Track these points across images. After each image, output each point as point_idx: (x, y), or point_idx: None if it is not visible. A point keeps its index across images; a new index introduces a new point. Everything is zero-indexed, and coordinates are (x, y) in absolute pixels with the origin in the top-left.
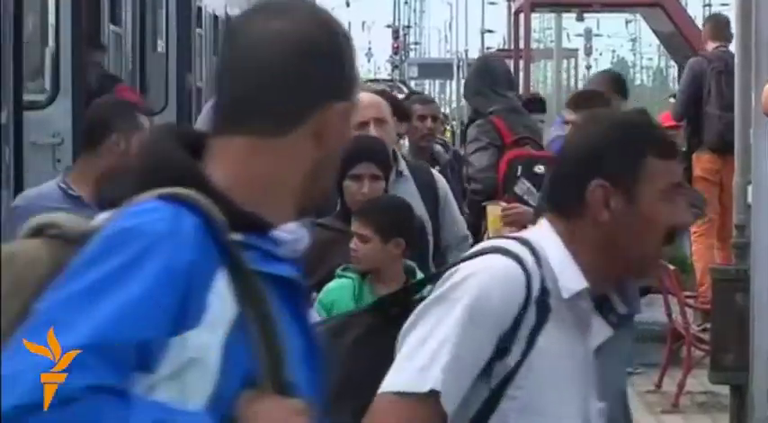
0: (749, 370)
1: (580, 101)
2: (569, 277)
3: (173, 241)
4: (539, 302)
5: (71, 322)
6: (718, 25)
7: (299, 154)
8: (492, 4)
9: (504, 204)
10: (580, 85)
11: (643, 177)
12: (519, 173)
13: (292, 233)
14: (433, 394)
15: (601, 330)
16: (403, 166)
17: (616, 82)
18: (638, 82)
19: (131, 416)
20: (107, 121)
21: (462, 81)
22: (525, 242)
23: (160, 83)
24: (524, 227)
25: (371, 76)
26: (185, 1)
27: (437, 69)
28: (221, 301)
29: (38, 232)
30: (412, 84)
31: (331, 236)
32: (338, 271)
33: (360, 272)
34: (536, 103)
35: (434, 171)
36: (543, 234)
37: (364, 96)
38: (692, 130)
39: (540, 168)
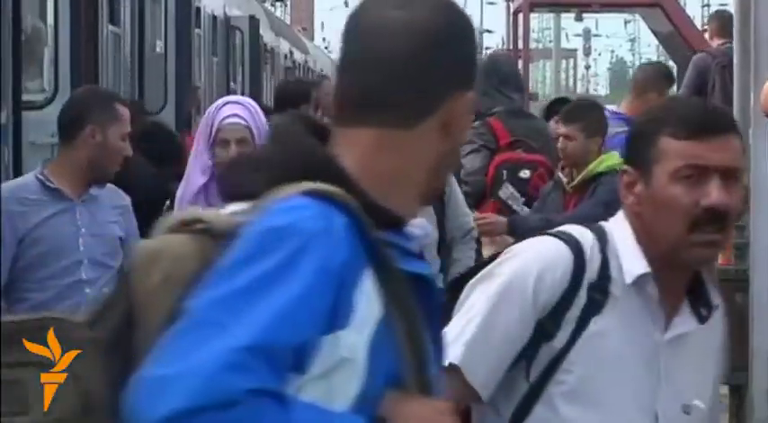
0: (749, 370)
1: (570, 116)
2: (631, 262)
3: (327, 240)
4: (594, 287)
5: (230, 323)
6: (724, 22)
7: (425, 146)
8: (491, 4)
9: (477, 214)
10: (579, 85)
11: (656, 158)
12: (505, 177)
13: (421, 229)
14: (455, 369)
15: (685, 321)
16: None
17: (668, 77)
18: None
19: (291, 420)
20: (81, 113)
21: None
22: (597, 228)
23: (159, 83)
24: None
25: None
26: (184, 1)
27: None
28: (368, 300)
29: (179, 227)
30: None
31: None
32: None
33: None
34: (564, 104)
35: None
36: (617, 220)
37: None
38: None
39: (525, 173)
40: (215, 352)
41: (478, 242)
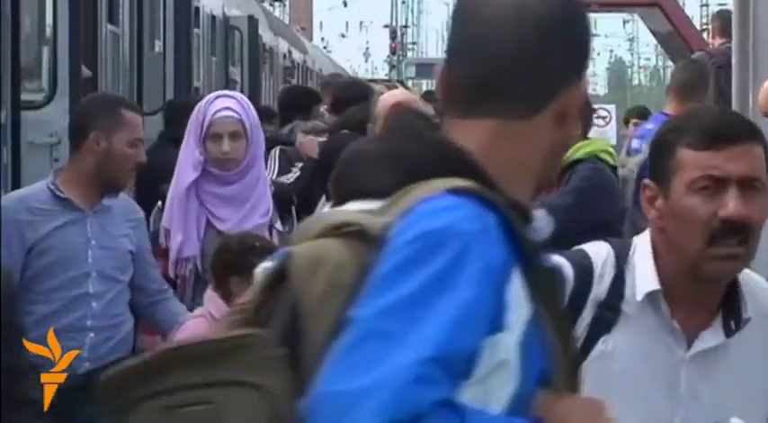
0: None
1: None
2: (643, 279)
3: (486, 241)
4: (603, 305)
5: (405, 333)
6: (725, 21)
7: (542, 136)
8: None
9: None
10: None
11: (675, 169)
12: None
13: (542, 221)
14: None
15: (711, 336)
16: None
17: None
18: (635, 82)
19: None
20: (85, 120)
21: None
22: (621, 243)
23: (158, 83)
24: None
25: (369, 77)
26: (183, 1)
27: (434, 69)
28: (518, 299)
29: (329, 231)
30: (409, 83)
31: None
32: None
33: None
34: None
35: None
36: (645, 235)
37: (400, 93)
38: None
39: None
40: (399, 364)
41: None
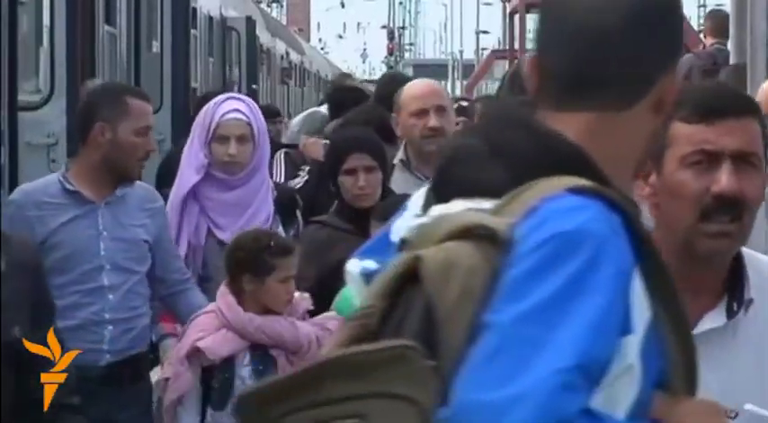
0: None
1: None
2: None
3: (616, 242)
4: None
5: (547, 339)
6: (718, 21)
7: (640, 127)
8: (487, 4)
9: None
10: None
11: (667, 144)
12: None
13: (646, 217)
14: None
15: (712, 318)
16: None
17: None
18: None
19: None
20: (89, 112)
21: (457, 82)
22: None
23: (155, 83)
24: None
25: (367, 77)
26: (180, 2)
27: (432, 70)
28: (639, 300)
29: (458, 234)
30: None
31: (329, 233)
32: None
33: None
34: None
35: None
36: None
37: (424, 84)
38: None
39: None
40: (543, 372)
41: None
